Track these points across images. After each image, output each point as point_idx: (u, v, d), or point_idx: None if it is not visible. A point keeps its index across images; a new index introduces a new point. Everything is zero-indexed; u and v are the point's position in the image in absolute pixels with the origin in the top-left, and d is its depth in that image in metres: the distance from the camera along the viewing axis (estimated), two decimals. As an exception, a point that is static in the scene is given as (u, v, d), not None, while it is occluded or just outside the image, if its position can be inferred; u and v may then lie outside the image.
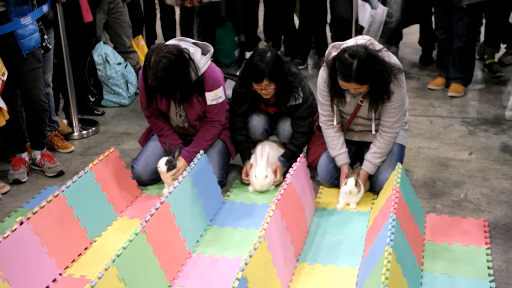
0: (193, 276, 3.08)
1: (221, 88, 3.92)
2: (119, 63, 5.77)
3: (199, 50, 3.84)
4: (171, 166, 3.82)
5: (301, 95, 3.92)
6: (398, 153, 3.81)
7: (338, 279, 3.02)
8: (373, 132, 3.78)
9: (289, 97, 3.90)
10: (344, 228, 3.49)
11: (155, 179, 4.06)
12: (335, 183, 3.91)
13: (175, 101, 3.90)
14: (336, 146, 3.82)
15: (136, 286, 2.75)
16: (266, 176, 3.86)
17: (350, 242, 3.34)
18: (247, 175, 4.02)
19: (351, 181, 3.63)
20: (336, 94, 3.66)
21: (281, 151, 4.08)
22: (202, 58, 3.82)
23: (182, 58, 3.67)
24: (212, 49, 3.93)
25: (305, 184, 3.61)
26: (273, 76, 3.77)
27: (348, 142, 3.90)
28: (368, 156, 3.78)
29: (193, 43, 3.89)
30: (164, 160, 3.82)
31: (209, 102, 3.90)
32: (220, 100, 3.93)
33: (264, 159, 3.89)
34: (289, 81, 3.86)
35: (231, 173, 4.25)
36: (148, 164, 4.03)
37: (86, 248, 3.35)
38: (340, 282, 2.99)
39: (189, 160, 3.88)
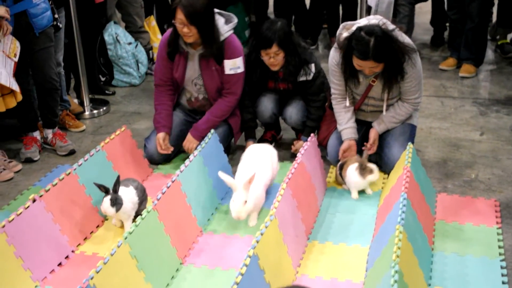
0: (204, 254, 3.10)
1: (240, 58, 3.90)
2: (130, 43, 5.76)
3: (222, 19, 3.85)
4: (118, 204, 3.19)
5: (312, 70, 3.90)
6: (409, 133, 3.81)
7: (349, 257, 3.03)
8: (384, 113, 3.77)
9: (298, 70, 3.89)
10: (355, 207, 3.49)
11: (167, 158, 4.07)
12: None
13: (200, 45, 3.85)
14: (343, 120, 3.81)
15: (148, 263, 2.77)
16: (245, 202, 3.16)
17: (360, 221, 3.35)
18: None
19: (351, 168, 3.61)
20: (350, 75, 3.65)
21: (271, 168, 3.54)
22: (224, 26, 3.83)
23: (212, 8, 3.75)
24: (236, 20, 3.91)
25: (315, 163, 3.61)
26: (282, 43, 3.76)
27: (358, 123, 3.89)
28: (384, 116, 3.78)
29: (217, 12, 3.88)
30: (107, 201, 3.17)
31: (227, 71, 3.88)
32: (239, 71, 3.91)
33: (244, 184, 3.17)
34: (299, 53, 3.84)
35: (238, 154, 4.25)
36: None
37: (98, 226, 3.38)
38: (351, 260, 3.00)
39: (198, 137, 3.89)
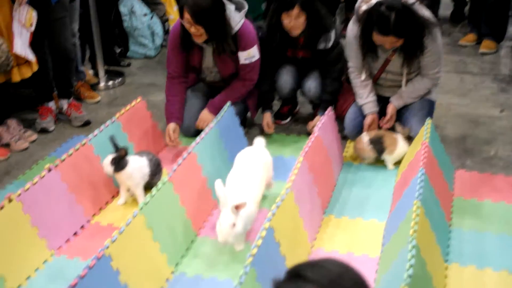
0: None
1: (254, 47, 3.82)
2: (145, 14, 5.72)
3: (233, 6, 3.77)
4: (118, 166, 3.18)
5: (332, 38, 3.84)
6: (428, 108, 3.75)
7: (365, 232, 3.00)
8: (403, 88, 3.72)
9: (319, 36, 3.83)
10: (372, 182, 3.46)
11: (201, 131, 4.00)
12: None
13: (209, 43, 3.79)
14: (364, 95, 3.76)
15: (163, 233, 2.76)
16: (234, 225, 2.73)
17: (377, 196, 3.32)
18: (269, 126, 4.00)
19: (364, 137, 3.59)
20: (368, 49, 3.60)
21: (265, 178, 3.15)
22: (236, 15, 3.73)
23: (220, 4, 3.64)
24: (246, 6, 3.81)
25: (332, 137, 3.58)
26: (304, 5, 3.69)
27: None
28: (403, 91, 3.73)
29: None
30: (109, 157, 3.20)
31: (242, 61, 3.83)
32: (254, 60, 3.85)
33: (232, 208, 2.73)
34: (320, 18, 3.78)
35: (254, 128, 4.22)
36: (192, 117, 3.98)
37: (113, 197, 3.37)
38: (367, 235, 2.98)
39: (214, 112, 3.85)
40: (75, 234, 3.04)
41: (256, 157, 3.15)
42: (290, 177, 2.86)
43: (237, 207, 2.69)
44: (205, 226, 3.08)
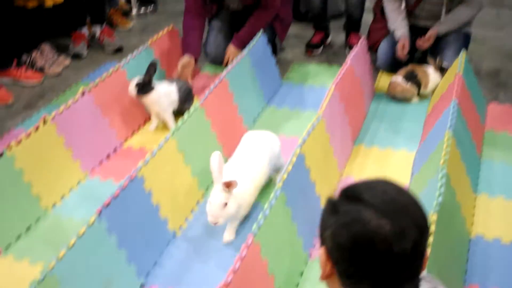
0: (249, 152, 3.11)
1: None
2: None
3: None
4: (142, 90, 3.20)
5: None
6: (463, 40, 3.70)
7: (395, 161, 3.02)
8: (442, 18, 3.65)
9: None
10: (402, 114, 3.45)
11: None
12: (394, 68, 3.81)
13: None
14: (397, 19, 3.71)
15: (194, 157, 2.80)
16: (225, 204, 2.40)
17: (408, 127, 3.31)
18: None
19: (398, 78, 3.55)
20: None
21: (269, 164, 2.71)
22: None
23: None
24: None
25: (364, 68, 3.55)
26: None
27: (410, 29, 3.78)
28: (444, 18, 3.67)
29: None
30: (135, 80, 3.21)
31: None
32: None
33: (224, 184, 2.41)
34: None
35: (287, 54, 4.20)
36: (220, 44, 3.97)
37: (145, 121, 3.41)
38: (397, 164, 2.99)
39: (239, 46, 3.80)
40: (107, 156, 3.10)
41: (263, 140, 2.76)
42: (322, 106, 2.86)
43: (228, 185, 2.38)
44: (236, 152, 3.11)
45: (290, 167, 2.42)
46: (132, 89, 3.19)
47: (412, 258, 1.22)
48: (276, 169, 2.78)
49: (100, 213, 2.23)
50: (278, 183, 2.35)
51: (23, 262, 2.46)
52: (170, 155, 2.67)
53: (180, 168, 2.71)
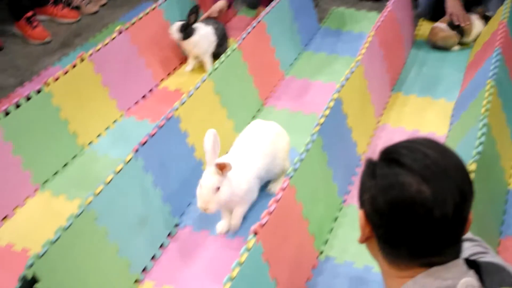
0: (285, 97, 3.09)
1: None
2: None
3: None
4: (186, 34, 3.18)
5: None
6: (508, -12, 3.58)
7: (433, 110, 2.97)
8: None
9: None
10: (443, 62, 3.38)
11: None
12: (436, 16, 3.71)
13: None
14: None
15: (231, 100, 2.78)
16: (218, 189, 2.15)
17: (448, 76, 3.24)
18: None
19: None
20: None
21: (272, 154, 2.40)
22: None
23: None
24: None
25: (405, 14, 3.47)
26: None
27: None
28: None
29: None
30: (177, 25, 3.19)
31: None
32: None
33: (216, 166, 2.15)
34: None
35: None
36: None
37: (181, 63, 3.39)
38: (435, 113, 2.94)
39: None
40: (143, 97, 3.09)
41: (268, 130, 2.44)
42: (360, 51, 2.81)
43: (221, 167, 2.13)
44: (272, 96, 3.09)
45: (327, 112, 2.40)
46: (175, 33, 3.16)
47: (453, 224, 1.16)
48: (279, 172, 2.44)
49: (136, 151, 2.23)
50: (315, 127, 2.32)
51: (60, 198, 2.49)
52: (207, 96, 2.66)
53: (216, 110, 2.70)
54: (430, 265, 1.19)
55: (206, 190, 2.12)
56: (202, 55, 3.26)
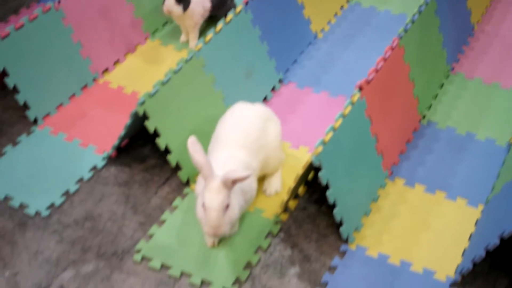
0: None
1: None
2: None
3: None
4: (185, 5, 2.46)
5: None
6: None
7: None
8: None
9: None
10: None
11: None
12: None
13: None
14: None
15: None
16: (227, 207, 1.68)
17: None
18: None
19: None
20: None
21: (266, 144, 1.91)
22: None
23: None
24: None
25: None
26: None
27: None
28: None
29: None
30: None
31: None
32: None
33: (225, 181, 1.65)
34: None
35: None
36: None
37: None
38: None
39: None
40: None
41: (255, 114, 1.93)
42: None
43: (233, 181, 1.65)
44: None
45: None
46: (173, 7, 2.45)
47: None
48: (273, 166, 1.97)
49: (247, 3, 2.24)
50: None
51: (168, 47, 2.56)
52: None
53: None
54: None
55: (215, 214, 1.66)
56: (192, 27, 2.59)
